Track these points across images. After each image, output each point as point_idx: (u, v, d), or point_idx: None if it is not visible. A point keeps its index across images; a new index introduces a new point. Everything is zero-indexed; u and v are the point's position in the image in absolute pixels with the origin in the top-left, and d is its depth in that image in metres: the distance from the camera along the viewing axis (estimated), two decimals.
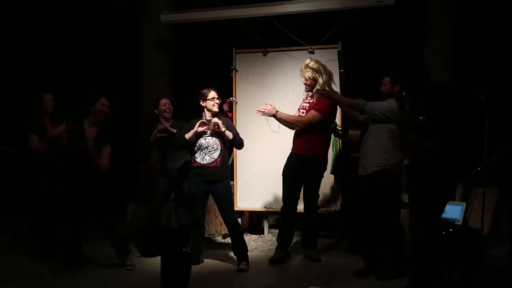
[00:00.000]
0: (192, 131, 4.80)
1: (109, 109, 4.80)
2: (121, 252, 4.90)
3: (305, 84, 5.04)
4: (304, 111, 5.05)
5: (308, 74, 4.96)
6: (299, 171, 5.02)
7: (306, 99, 5.13)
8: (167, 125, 5.27)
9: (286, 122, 5.06)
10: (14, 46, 7.41)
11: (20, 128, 5.16)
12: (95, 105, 4.75)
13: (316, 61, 5.03)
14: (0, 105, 7.23)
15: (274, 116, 4.98)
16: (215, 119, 4.81)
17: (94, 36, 7.44)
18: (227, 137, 4.84)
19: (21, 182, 5.31)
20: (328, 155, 5.18)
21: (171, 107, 5.35)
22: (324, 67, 5.04)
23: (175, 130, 5.11)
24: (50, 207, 5.14)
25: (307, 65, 4.97)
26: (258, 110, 4.98)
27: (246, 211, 6.25)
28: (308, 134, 4.97)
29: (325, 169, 5.17)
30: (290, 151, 5.13)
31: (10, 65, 7.40)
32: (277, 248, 5.16)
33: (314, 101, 5.00)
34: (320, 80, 4.96)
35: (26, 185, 5.21)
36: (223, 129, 4.78)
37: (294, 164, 5.03)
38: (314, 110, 4.95)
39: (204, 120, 4.87)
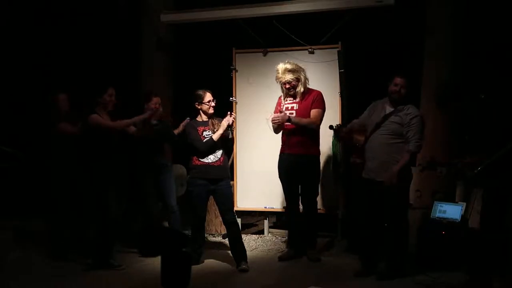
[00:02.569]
0: (219, 132, 4.86)
1: (115, 98, 4.87)
2: (106, 254, 4.90)
3: (288, 88, 5.02)
4: (293, 111, 5.04)
5: (290, 76, 4.97)
6: (295, 170, 5.04)
7: (285, 100, 5.10)
8: (154, 122, 5.29)
9: (299, 125, 4.98)
10: (13, 47, 7.42)
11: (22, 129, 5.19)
12: (103, 96, 4.80)
13: (290, 62, 5.05)
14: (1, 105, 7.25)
15: (289, 121, 4.94)
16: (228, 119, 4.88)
17: (94, 36, 7.44)
18: (226, 136, 4.91)
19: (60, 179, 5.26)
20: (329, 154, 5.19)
21: (159, 106, 5.34)
22: (299, 65, 5.08)
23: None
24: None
25: (285, 69, 4.97)
26: (273, 120, 4.94)
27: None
28: (302, 133, 4.99)
29: (320, 167, 5.18)
30: (280, 152, 5.13)
31: (10, 65, 7.40)
32: (288, 247, 5.27)
33: (302, 99, 5.02)
34: (302, 78, 5.01)
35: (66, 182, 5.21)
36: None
37: (290, 164, 5.05)
38: (317, 108, 4.98)
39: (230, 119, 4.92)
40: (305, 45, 5.81)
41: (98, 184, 4.77)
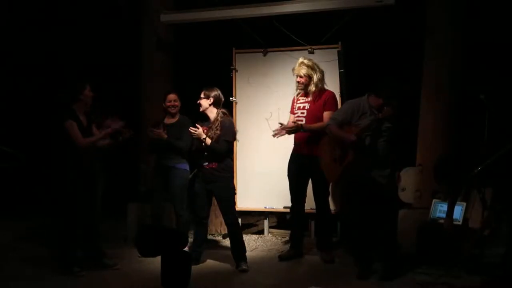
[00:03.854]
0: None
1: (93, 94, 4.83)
2: (98, 254, 4.91)
3: (299, 82, 5.03)
4: (305, 111, 5.04)
5: (303, 71, 4.98)
6: (303, 171, 5.06)
7: (299, 99, 5.12)
8: (173, 120, 5.25)
9: (313, 131, 4.96)
10: (12, 47, 7.42)
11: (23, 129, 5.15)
12: (84, 92, 4.73)
13: (310, 59, 5.07)
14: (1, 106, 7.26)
15: (301, 129, 4.96)
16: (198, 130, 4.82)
17: (94, 36, 7.44)
18: (206, 143, 4.83)
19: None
20: None
21: (176, 103, 5.25)
22: (318, 65, 5.06)
23: (165, 136, 5.09)
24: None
25: (302, 63, 5.00)
26: (286, 131, 4.97)
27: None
28: (312, 135, 4.98)
29: None
30: (292, 151, 5.14)
31: (9, 67, 7.41)
32: (290, 247, 5.26)
33: (315, 99, 5.02)
34: (315, 78, 4.99)
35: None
36: (203, 136, 4.81)
37: (299, 165, 5.06)
38: (329, 110, 4.98)
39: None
40: (305, 45, 5.81)
41: (69, 185, 4.74)
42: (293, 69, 5.07)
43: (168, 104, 5.25)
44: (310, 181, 5.16)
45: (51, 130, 5.14)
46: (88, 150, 4.74)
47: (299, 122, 5.00)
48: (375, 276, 4.51)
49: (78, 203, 4.72)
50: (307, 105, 5.07)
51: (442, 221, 4.67)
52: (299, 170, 5.07)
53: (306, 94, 5.08)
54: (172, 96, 5.27)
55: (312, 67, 5.00)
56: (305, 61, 5.00)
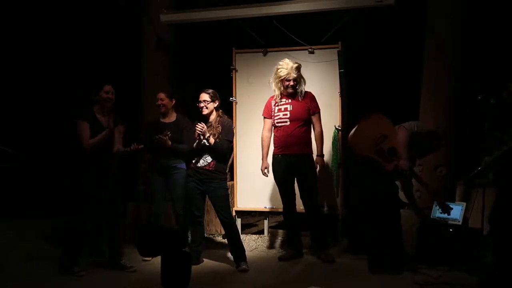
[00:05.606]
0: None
1: (113, 95, 4.77)
2: (116, 256, 4.91)
3: (292, 86, 5.02)
4: (287, 112, 5.05)
5: (297, 74, 5.02)
6: (293, 171, 5.07)
7: (279, 101, 5.11)
8: (170, 120, 5.25)
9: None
10: (12, 47, 7.42)
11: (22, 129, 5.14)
12: (100, 93, 4.73)
13: (292, 61, 5.09)
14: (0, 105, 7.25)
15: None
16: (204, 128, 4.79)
17: (94, 36, 7.43)
18: (210, 142, 4.83)
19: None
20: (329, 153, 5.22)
21: (164, 102, 5.25)
22: None
23: (169, 144, 5.08)
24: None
25: (293, 67, 4.99)
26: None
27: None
28: (299, 135, 5.02)
29: (315, 164, 5.19)
30: (275, 154, 5.12)
31: (9, 66, 7.41)
32: (289, 248, 5.28)
33: (298, 100, 5.05)
34: (302, 80, 5.07)
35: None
36: (207, 134, 4.80)
37: (288, 165, 5.06)
38: (318, 111, 5.10)
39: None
40: (305, 45, 5.82)
41: (79, 187, 4.73)
42: (280, 74, 5.00)
43: (157, 103, 5.22)
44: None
45: (65, 130, 5.12)
46: (101, 152, 4.72)
47: (284, 124, 5.04)
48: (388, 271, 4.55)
49: (87, 205, 4.71)
50: (289, 107, 5.07)
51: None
52: (287, 170, 5.07)
53: (288, 96, 5.07)
54: (159, 95, 5.27)
55: (300, 68, 5.04)
56: (295, 64, 5.02)
